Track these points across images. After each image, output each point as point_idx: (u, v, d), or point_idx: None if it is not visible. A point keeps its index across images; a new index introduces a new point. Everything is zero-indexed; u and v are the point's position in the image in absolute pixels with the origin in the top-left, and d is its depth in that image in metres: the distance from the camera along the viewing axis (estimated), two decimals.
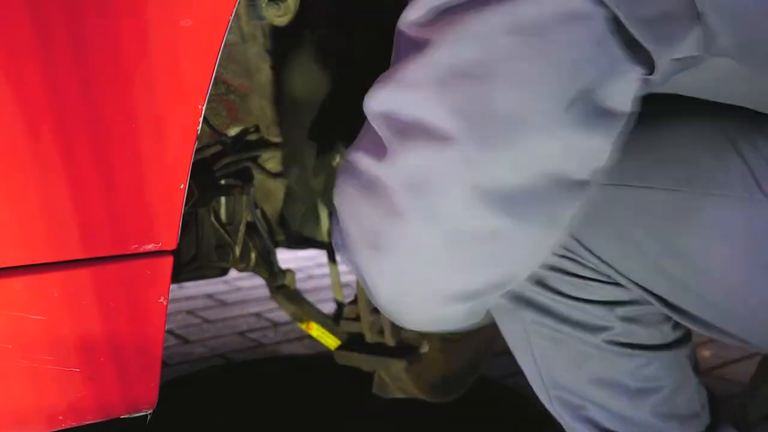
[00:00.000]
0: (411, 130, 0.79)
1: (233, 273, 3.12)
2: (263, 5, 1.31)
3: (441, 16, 0.79)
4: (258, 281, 3.02)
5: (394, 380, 1.39)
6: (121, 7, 0.94)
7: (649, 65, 0.82)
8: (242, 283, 3.04)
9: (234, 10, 1.00)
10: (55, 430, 1.00)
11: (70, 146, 0.95)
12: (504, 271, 0.89)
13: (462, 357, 1.55)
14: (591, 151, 0.83)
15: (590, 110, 0.80)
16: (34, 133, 0.93)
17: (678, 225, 1.00)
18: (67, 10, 0.92)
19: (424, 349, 1.34)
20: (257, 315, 2.74)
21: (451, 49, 0.78)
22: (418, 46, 0.80)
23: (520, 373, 1.24)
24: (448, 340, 1.49)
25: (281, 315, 2.71)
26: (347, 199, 0.87)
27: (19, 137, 0.93)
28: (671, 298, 1.07)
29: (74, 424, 1.01)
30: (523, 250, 0.86)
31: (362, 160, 0.84)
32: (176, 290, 2.91)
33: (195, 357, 2.38)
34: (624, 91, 0.81)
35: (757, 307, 1.00)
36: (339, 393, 2.03)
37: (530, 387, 1.24)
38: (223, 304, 2.86)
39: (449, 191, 0.79)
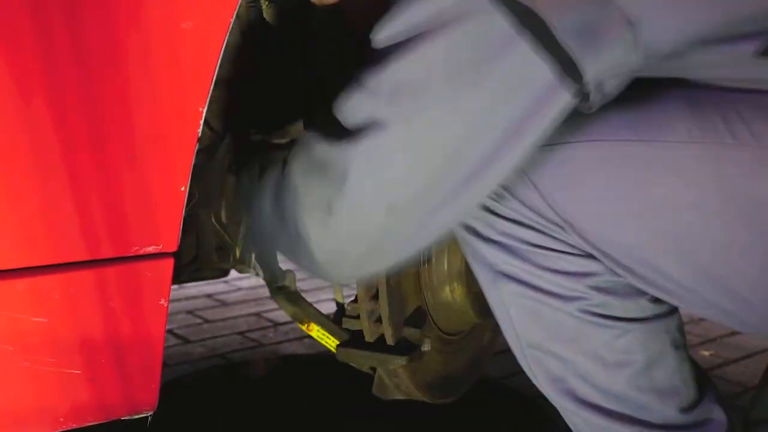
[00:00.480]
0: (364, 127, 1.00)
1: (233, 273, 3.12)
2: (263, 6, 1.32)
3: (407, 40, 0.96)
4: (258, 281, 3.02)
5: (394, 380, 1.39)
6: (122, 10, 0.95)
7: (578, 81, 0.94)
8: (242, 283, 3.04)
9: (235, 12, 1.00)
10: (56, 431, 1.00)
11: (71, 149, 0.95)
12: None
13: (463, 357, 1.56)
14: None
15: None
16: (35, 136, 0.93)
17: (648, 174, 1.03)
18: (69, 14, 0.92)
19: (426, 347, 1.34)
20: (257, 315, 2.74)
21: (403, 68, 0.97)
22: (384, 58, 0.98)
23: (520, 372, 1.24)
24: (448, 341, 1.49)
25: (281, 315, 2.71)
26: (301, 172, 1.08)
27: (21, 140, 0.93)
28: (633, 263, 1.09)
29: (75, 426, 1.01)
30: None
31: (321, 144, 1.05)
32: (176, 290, 2.91)
33: (195, 357, 2.38)
34: (555, 119, 0.98)
35: (727, 253, 1.01)
36: (339, 393, 2.03)
37: (530, 387, 1.25)
38: (223, 304, 2.86)
39: (391, 165, 1.00)
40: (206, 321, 2.69)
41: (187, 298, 2.88)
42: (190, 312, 2.76)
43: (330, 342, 1.39)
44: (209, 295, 2.93)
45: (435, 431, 1.90)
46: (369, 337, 1.33)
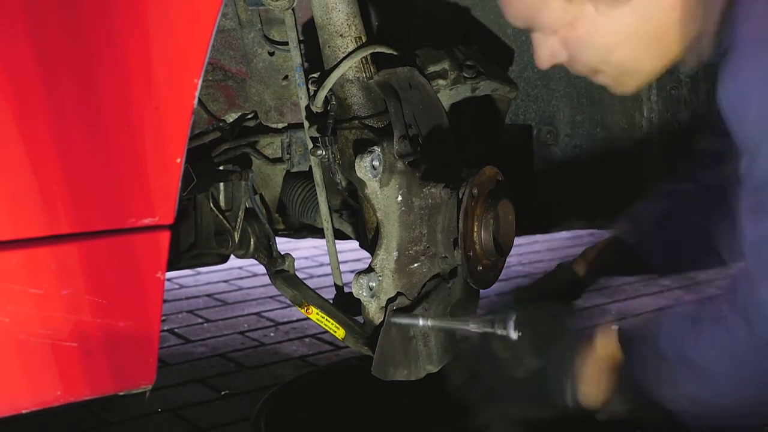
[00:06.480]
0: None
1: (234, 272, 3.12)
2: None
3: None
4: (258, 281, 3.02)
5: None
6: None
7: None
8: (242, 283, 3.04)
9: None
10: (53, 405, 1.00)
11: (66, 120, 0.95)
12: None
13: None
14: None
15: None
16: (28, 106, 0.93)
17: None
18: None
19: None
20: (257, 314, 2.74)
21: None
22: None
23: None
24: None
25: (281, 314, 2.71)
26: None
27: (14, 111, 0.93)
28: None
29: (72, 400, 1.00)
30: None
31: None
32: (177, 290, 2.91)
33: (196, 356, 2.38)
34: None
35: None
36: (339, 393, 2.02)
37: None
38: (224, 303, 2.85)
39: None
40: (207, 320, 2.68)
41: (187, 298, 2.87)
42: (190, 311, 2.75)
43: (330, 325, 1.38)
44: (210, 295, 2.92)
45: (434, 430, 1.89)
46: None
